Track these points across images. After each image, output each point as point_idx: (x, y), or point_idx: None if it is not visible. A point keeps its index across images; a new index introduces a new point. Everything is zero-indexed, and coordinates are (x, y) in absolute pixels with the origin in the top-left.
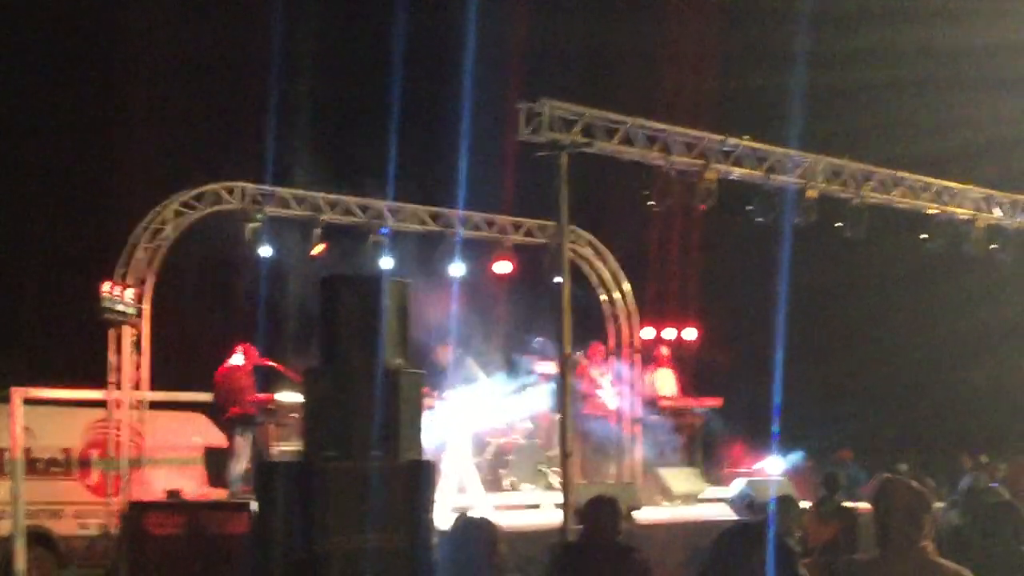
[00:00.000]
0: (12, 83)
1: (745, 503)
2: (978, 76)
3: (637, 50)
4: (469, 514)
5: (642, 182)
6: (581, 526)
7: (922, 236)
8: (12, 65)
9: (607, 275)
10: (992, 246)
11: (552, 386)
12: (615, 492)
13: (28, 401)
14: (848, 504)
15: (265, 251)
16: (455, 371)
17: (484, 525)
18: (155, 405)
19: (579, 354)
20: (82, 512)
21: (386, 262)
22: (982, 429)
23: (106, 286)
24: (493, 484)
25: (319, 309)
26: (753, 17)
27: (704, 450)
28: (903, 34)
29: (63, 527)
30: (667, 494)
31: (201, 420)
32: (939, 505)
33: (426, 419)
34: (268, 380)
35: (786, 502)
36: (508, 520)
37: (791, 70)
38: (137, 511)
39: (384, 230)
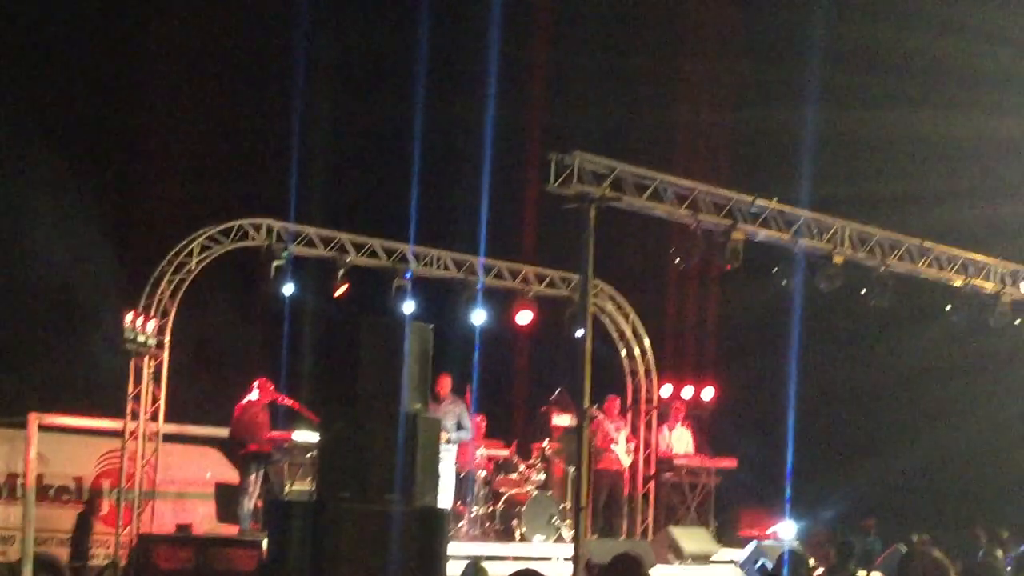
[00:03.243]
0: (41, 111)
1: (757, 567)
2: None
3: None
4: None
5: (668, 239)
6: None
7: (947, 307)
8: (41, 90)
9: (628, 330)
10: (1017, 321)
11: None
12: (626, 548)
13: (43, 427)
14: (862, 574)
15: (288, 289)
16: (449, 410)
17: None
18: (168, 438)
19: (595, 408)
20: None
21: (408, 306)
22: (1014, 508)
23: (129, 317)
24: (505, 534)
25: (341, 349)
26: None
27: (717, 511)
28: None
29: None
30: (678, 553)
31: (213, 454)
32: None
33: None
34: (286, 418)
35: (796, 558)
36: None
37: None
38: (146, 544)
39: (408, 274)
